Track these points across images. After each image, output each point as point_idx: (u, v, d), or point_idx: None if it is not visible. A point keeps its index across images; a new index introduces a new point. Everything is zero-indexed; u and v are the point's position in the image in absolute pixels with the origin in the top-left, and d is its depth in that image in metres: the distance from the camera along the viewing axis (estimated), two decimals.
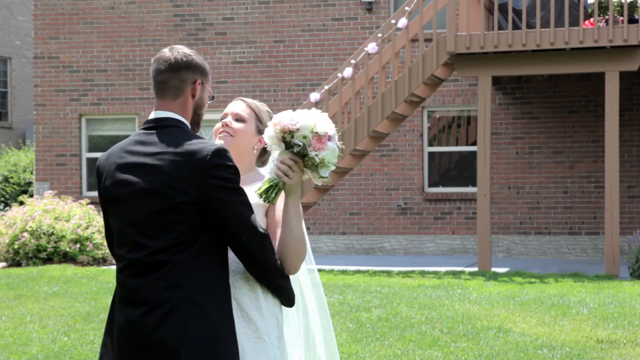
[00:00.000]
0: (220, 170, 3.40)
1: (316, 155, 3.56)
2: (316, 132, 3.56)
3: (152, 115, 3.56)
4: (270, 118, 3.93)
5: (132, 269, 3.44)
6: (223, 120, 3.86)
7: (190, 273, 3.41)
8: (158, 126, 3.52)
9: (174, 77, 3.52)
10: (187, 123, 3.55)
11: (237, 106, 3.90)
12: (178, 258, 3.40)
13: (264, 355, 3.61)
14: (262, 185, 3.61)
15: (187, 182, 3.39)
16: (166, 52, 3.55)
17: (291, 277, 3.69)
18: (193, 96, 3.56)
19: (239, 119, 3.86)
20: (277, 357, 3.65)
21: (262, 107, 3.94)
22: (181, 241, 3.40)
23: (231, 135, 3.82)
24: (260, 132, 3.88)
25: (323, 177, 3.62)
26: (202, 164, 3.39)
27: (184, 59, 3.53)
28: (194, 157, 3.39)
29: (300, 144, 3.55)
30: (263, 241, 3.49)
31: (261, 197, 3.59)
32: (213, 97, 3.68)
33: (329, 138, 3.59)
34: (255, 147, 3.87)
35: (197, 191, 3.39)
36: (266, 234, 3.51)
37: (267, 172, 3.80)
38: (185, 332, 3.37)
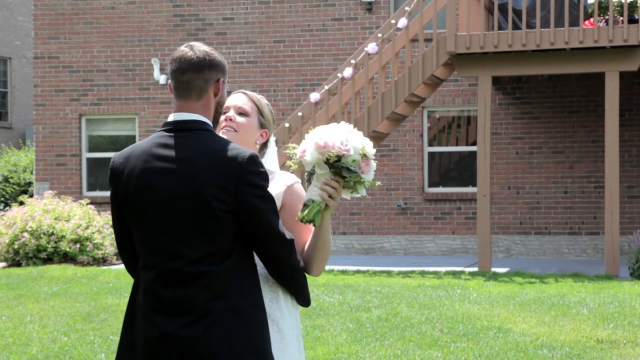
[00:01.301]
0: (254, 177, 3.34)
1: (365, 177, 3.48)
2: (364, 154, 3.47)
3: (175, 116, 3.45)
4: (271, 112, 3.86)
5: (169, 279, 3.34)
6: (226, 115, 3.77)
7: (232, 283, 3.33)
8: (184, 129, 3.42)
9: (198, 77, 3.43)
10: (211, 124, 3.46)
11: (239, 99, 3.82)
12: (220, 268, 3.32)
13: (287, 356, 3.59)
14: (308, 210, 3.49)
15: (223, 189, 3.31)
16: (187, 52, 3.45)
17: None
18: (216, 95, 3.47)
19: (242, 112, 3.78)
20: (296, 358, 3.64)
21: (262, 99, 3.87)
22: (220, 249, 3.33)
23: (235, 130, 3.75)
24: (262, 125, 3.80)
25: (359, 194, 3.54)
26: (238, 171, 3.32)
27: (207, 57, 3.44)
28: (229, 164, 3.32)
29: (353, 168, 3.44)
30: (290, 248, 3.44)
31: (306, 222, 3.49)
32: (230, 92, 3.60)
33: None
34: (258, 141, 3.80)
35: (232, 198, 3.32)
36: (292, 240, 3.45)
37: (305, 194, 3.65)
38: (233, 342, 3.30)
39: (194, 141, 3.38)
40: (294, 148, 3.56)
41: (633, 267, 13.08)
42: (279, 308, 3.61)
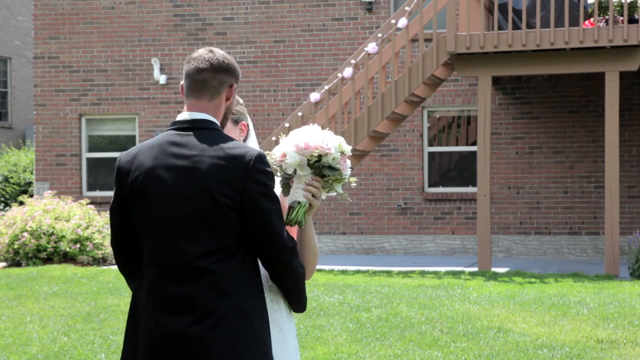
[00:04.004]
0: (261, 175, 3.36)
1: (346, 174, 3.56)
2: (342, 152, 3.55)
3: (186, 115, 3.48)
4: (238, 102, 3.86)
5: (173, 275, 3.34)
6: None
7: (236, 282, 3.34)
8: (194, 127, 3.45)
9: (214, 78, 3.49)
10: (220, 126, 3.51)
11: (237, 103, 3.85)
12: (224, 267, 3.33)
13: (288, 356, 3.61)
14: (295, 212, 3.54)
15: (231, 186, 3.33)
16: (206, 53, 3.51)
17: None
18: (227, 99, 3.53)
19: None
20: (294, 357, 3.65)
21: None
22: (224, 247, 3.34)
23: None
24: (236, 122, 3.82)
25: (336, 192, 3.60)
26: (246, 169, 3.34)
27: (225, 61, 3.51)
28: (237, 162, 3.35)
29: (336, 166, 3.52)
30: (293, 252, 3.45)
31: (293, 224, 3.54)
32: (238, 103, 3.68)
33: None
34: (241, 137, 3.83)
35: (239, 196, 3.34)
36: (294, 244, 3.46)
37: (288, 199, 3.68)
38: (236, 342, 3.31)
39: (203, 139, 3.41)
40: (271, 154, 3.60)
41: (633, 267, 13.08)
42: (279, 309, 3.62)
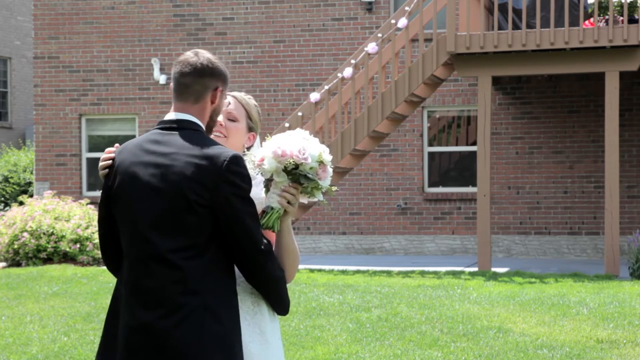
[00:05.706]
0: (235, 177, 3.41)
1: (323, 183, 3.57)
2: (321, 161, 3.56)
3: (171, 116, 3.57)
4: (258, 113, 3.92)
5: (144, 269, 3.42)
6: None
7: (206, 279, 3.40)
8: (176, 127, 3.53)
9: (197, 83, 3.54)
10: (204, 127, 3.57)
11: (229, 104, 3.87)
12: (193, 264, 3.39)
13: (269, 357, 3.61)
14: (267, 217, 3.56)
15: (202, 184, 3.39)
16: (191, 56, 3.56)
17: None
18: (212, 102, 3.58)
19: (231, 118, 3.83)
20: (280, 358, 3.66)
21: (250, 101, 3.92)
22: (193, 244, 3.39)
23: (224, 136, 3.80)
24: (250, 129, 3.87)
25: (317, 199, 3.62)
26: (219, 169, 3.39)
27: (209, 65, 3.55)
28: (210, 162, 3.40)
29: (311, 176, 3.53)
30: (268, 254, 3.48)
31: (265, 228, 3.56)
32: (229, 103, 3.73)
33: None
34: (245, 145, 3.86)
35: (210, 195, 3.39)
36: (270, 248, 3.50)
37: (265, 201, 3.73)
38: (202, 338, 3.36)
39: (182, 138, 3.49)
40: (252, 156, 3.64)
41: (633, 267, 13.08)
42: (260, 312, 3.63)
